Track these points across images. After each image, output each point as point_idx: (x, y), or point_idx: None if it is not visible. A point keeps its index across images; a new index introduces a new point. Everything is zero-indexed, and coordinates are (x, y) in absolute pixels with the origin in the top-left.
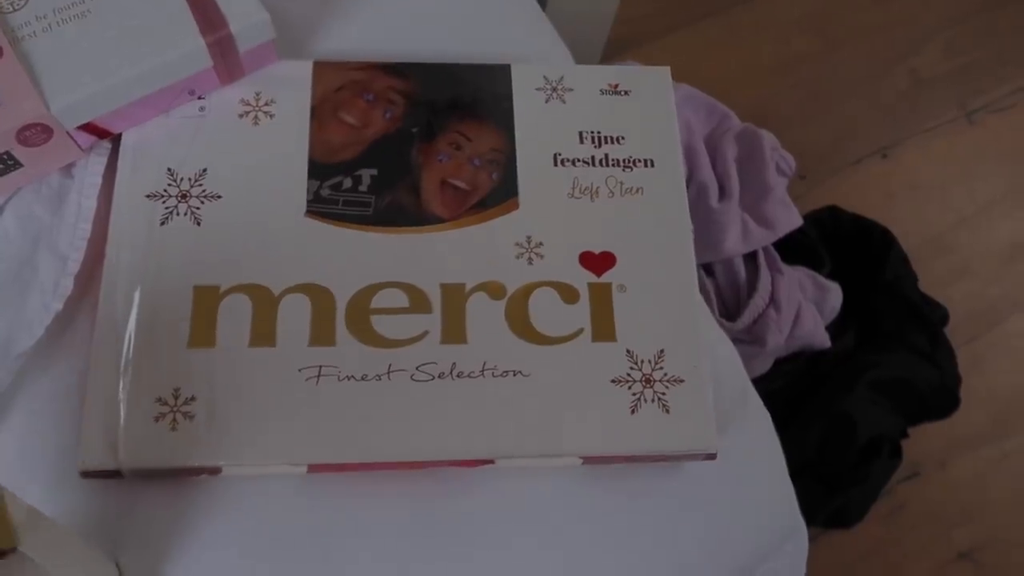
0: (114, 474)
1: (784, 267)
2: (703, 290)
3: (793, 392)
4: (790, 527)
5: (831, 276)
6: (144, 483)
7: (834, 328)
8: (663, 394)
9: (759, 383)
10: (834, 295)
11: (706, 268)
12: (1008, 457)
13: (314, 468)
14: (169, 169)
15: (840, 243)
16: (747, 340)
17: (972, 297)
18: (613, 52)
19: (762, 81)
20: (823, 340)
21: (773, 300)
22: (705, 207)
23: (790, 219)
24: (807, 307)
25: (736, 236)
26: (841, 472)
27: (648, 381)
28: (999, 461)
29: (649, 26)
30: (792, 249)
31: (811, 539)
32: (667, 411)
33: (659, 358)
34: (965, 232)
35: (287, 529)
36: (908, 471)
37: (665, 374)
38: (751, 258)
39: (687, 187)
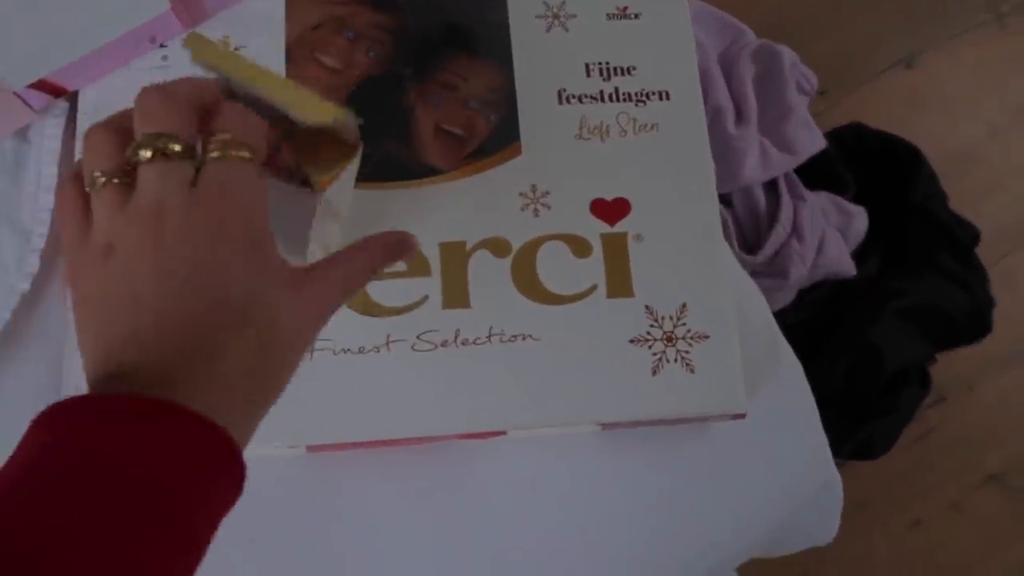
0: None
1: (806, 193)
2: (721, 222)
3: (817, 323)
4: (824, 480)
5: (856, 199)
6: None
7: (859, 253)
8: (686, 352)
9: (781, 316)
10: (859, 220)
11: (723, 198)
12: None
13: (313, 448)
14: None
15: (865, 162)
16: (769, 273)
17: (1004, 212)
18: None
19: None
20: (848, 268)
21: (795, 229)
22: (721, 133)
23: (813, 142)
24: (831, 234)
25: (755, 163)
26: (868, 404)
27: (670, 339)
28: None
29: None
30: (813, 172)
31: None
32: (691, 371)
33: (681, 313)
34: (997, 144)
35: (289, 511)
36: (935, 396)
37: (688, 330)
38: (771, 185)
39: None
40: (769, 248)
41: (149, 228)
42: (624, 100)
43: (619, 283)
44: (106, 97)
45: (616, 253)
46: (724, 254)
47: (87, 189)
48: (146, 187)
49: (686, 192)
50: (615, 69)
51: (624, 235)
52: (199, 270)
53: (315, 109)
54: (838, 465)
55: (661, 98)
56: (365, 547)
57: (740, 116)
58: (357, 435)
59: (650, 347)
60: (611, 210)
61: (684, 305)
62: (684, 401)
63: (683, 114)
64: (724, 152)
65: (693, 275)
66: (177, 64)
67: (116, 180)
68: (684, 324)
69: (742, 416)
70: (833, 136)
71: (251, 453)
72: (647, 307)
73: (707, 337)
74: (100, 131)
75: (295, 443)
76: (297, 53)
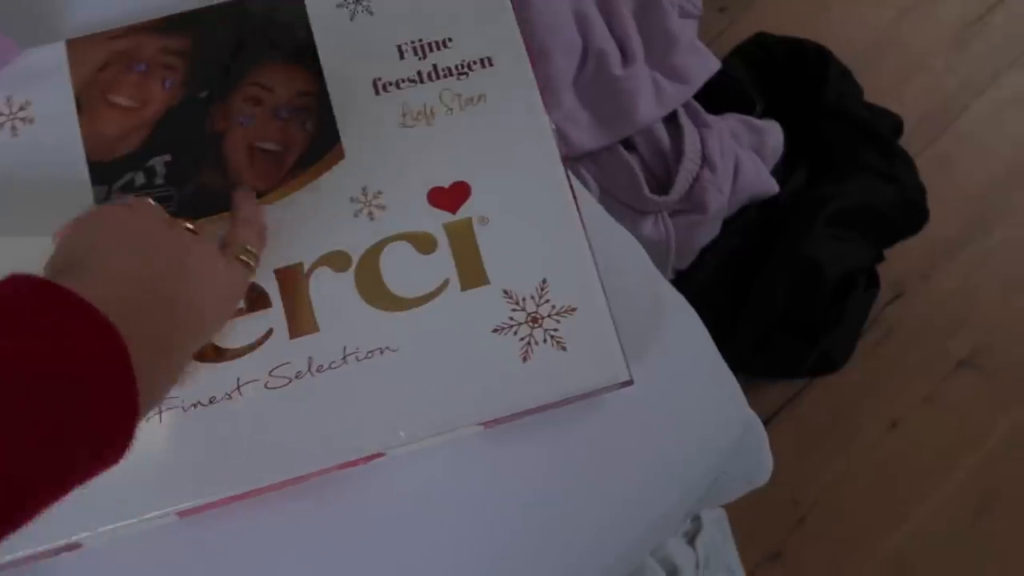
0: None
1: (710, 119)
2: (627, 168)
3: (750, 248)
4: (741, 423)
5: (770, 111)
6: None
7: (783, 168)
8: (555, 330)
9: (711, 250)
10: (772, 135)
11: (625, 143)
12: (991, 253)
13: (184, 513)
14: None
15: (774, 72)
16: (686, 209)
17: (927, 93)
18: None
19: None
20: (770, 186)
21: (705, 159)
22: (608, 76)
23: (705, 66)
24: (746, 156)
25: (649, 100)
26: (815, 318)
27: (535, 320)
28: (983, 260)
29: None
30: (718, 96)
31: (800, 390)
32: (563, 348)
33: (542, 290)
34: (908, 25)
35: None
36: (892, 292)
37: (553, 307)
38: (672, 119)
39: (585, 59)
40: (681, 184)
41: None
42: (445, 76)
43: (471, 272)
44: None
45: (463, 241)
46: (578, 218)
47: None
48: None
49: (527, 161)
50: (430, 45)
51: (468, 221)
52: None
53: None
54: (803, 385)
55: (484, 65)
56: None
57: (625, 56)
58: (226, 490)
59: (515, 332)
60: (450, 197)
61: (544, 281)
62: (562, 382)
63: (510, 78)
64: (615, 95)
65: (548, 248)
66: None
67: None
68: (547, 301)
69: (629, 383)
70: (738, 52)
71: (121, 532)
72: (505, 291)
73: (574, 310)
74: None
75: (163, 510)
76: (87, 98)
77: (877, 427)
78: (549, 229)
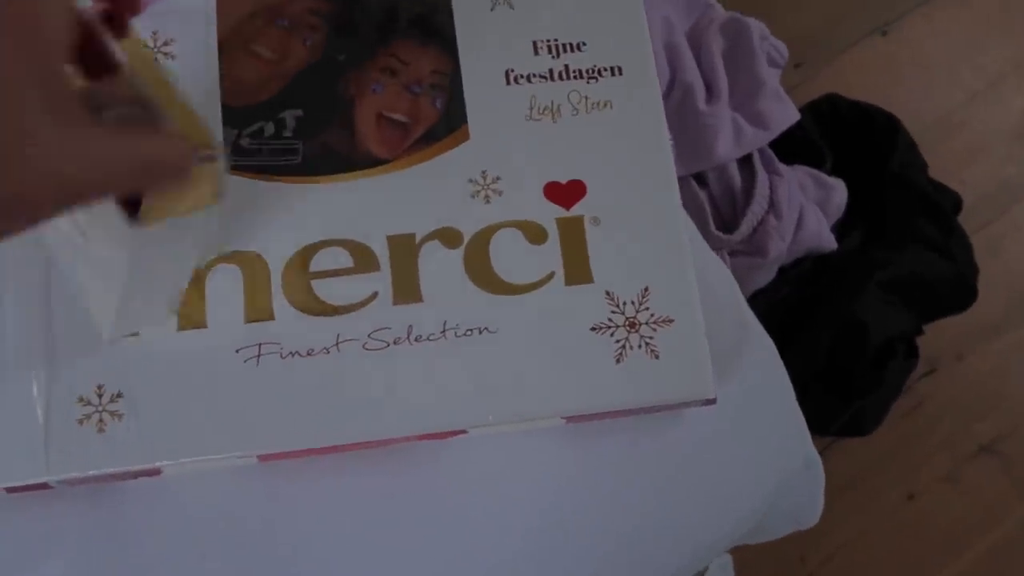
0: (41, 486)
1: (782, 168)
2: (696, 202)
3: (799, 299)
4: (804, 459)
5: (833, 171)
6: (75, 493)
7: (841, 226)
8: (650, 338)
9: (763, 294)
10: (838, 193)
11: (697, 177)
12: None
13: (265, 458)
14: None
15: (841, 133)
16: (747, 251)
17: (986, 178)
18: None
19: None
20: (829, 242)
21: (772, 205)
22: (692, 110)
23: (786, 115)
24: (810, 209)
25: (728, 140)
26: (854, 380)
27: (633, 325)
28: (1019, 348)
29: None
30: (790, 146)
31: (825, 448)
32: (656, 357)
33: (643, 297)
34: (976, 109)
35: (244, 526)
36: (925, 367)
37: (652, 315)
38: (746, 162)
39: (671, 90)
40: (746, 226)
41: None
42: (575, 77)
43: (577, 269)
44: None
45: (573, 238)
46: (686, 234)
47: None
48: None
49: (643, 171)
50: (564, 46)
51: (580, 219)
52: None
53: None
54: (829, 443)
55: (613, 73)
56: (325, 557)
57: (711, 92)
58: (310, 442)
59: (612, 334)
60: (566, 193)
61: (646, 289)
62: (650, 389)
63: (637, 89)
64: (696, 130)
65: (654, 257)
66: None
67: None
68: (647, 308)
69: (712, 402)
70: (809, 108)
71: (202, 466)
72: (607, 292)
73: (671, 321)
74: None
75: (245, 452)
76: (230, 45)
77: (895, 497)
78: (657, 240)
